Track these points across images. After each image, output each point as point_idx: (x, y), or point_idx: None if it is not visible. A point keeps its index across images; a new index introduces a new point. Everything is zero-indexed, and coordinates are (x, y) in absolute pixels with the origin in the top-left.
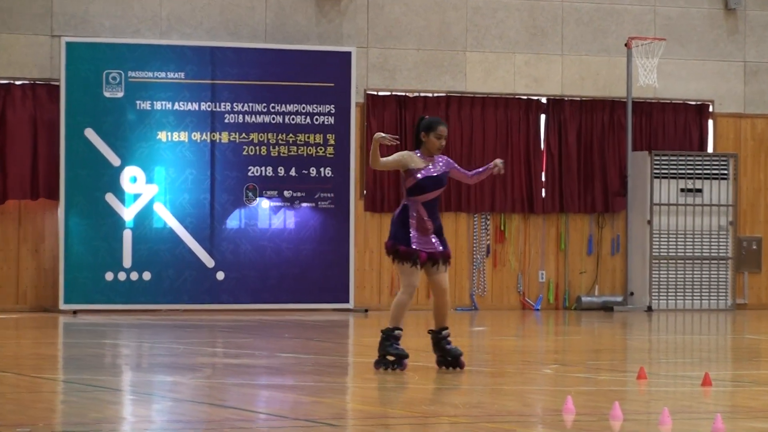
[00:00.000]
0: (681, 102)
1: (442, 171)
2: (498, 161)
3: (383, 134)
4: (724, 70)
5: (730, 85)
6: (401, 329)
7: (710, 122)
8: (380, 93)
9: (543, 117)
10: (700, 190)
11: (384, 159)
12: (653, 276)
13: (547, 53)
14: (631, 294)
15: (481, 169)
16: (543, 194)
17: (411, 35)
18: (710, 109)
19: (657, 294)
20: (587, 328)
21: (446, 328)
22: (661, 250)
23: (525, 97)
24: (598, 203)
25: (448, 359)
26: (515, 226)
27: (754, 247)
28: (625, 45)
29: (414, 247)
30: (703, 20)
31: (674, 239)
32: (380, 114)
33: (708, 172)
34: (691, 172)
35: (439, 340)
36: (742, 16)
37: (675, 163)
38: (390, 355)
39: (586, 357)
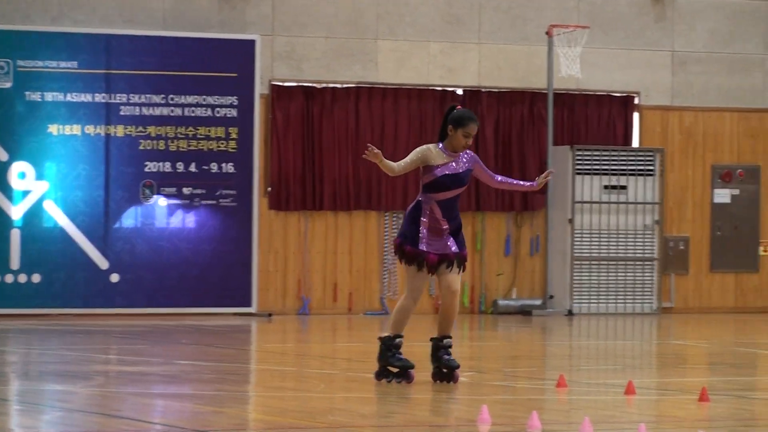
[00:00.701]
0: (605, 94)
1: (465, 168)
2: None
3: (374, 149)
4: (650, 60)
5: (657, 76)
6: (402, 336)
7: (636, 115)
8: (286, 84)
9: None
10: (624, 187)
11: (401, 163)
12: (574, 278)
13: (464, 42)
14: (551, 297)
15: (518, 182)
16: None
17: (319, 23)
18: (636, 102)
19: (578, 297)
20: (504, 334)
21: (449, 337)
22: (583, 251)
23: (440, 89)
24: (516, 201)
25: (443, 371)
26: None
27: (682, 247)
28: (546, 33)
29: (422, 248)
30: (629, 7)
31: (597, 239)
32: (286, 106)
33: (633, 168)
34: (615, 168)
35: (437, 348)
36: (670, 2)
37: (598, 158)
38: (393, 366)
39: (502, 364)
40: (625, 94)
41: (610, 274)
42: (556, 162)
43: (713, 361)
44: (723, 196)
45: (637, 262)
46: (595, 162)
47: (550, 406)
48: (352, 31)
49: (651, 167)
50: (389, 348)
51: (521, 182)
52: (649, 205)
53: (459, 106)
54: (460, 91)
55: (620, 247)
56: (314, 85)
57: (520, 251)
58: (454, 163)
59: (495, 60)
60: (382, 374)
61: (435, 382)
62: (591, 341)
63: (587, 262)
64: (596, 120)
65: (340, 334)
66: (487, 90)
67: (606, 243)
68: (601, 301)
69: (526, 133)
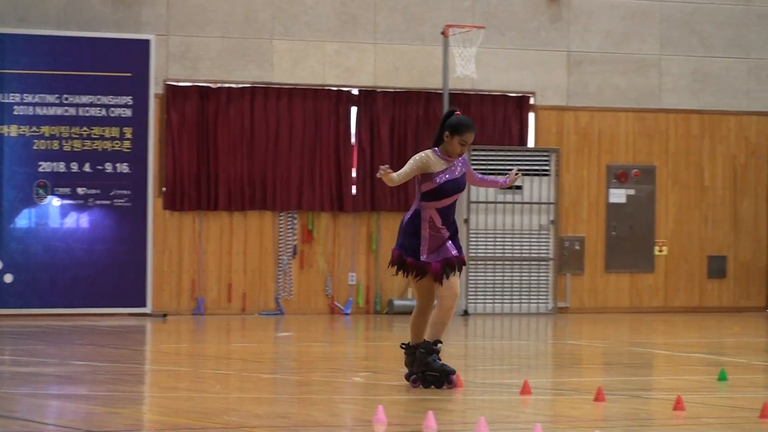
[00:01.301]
0: (500, 94)
1: (461, 172)
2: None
3: (387, 169)
4: (546, 60)
5: (553, 76)
6: (441, 342)
7: (531, 115)
8: (181, 84)
9: (354, 109)
10: (519, 188)
11: (401, 172)
12: (470, 278)
13: (359, 42)
14: None
15: (494, 179)
16: (353, 191)
17: (214, 22)
18: (531, 102)
19: (474, 297)
20: (400, 334)
21: (441, 342)
22: (479, 251)
23: (335, 89)
24: (411, 201)
25: (434, 376)
26: (324, 226)
27: (577, 247)
28: (442, 33)
29: (423, 258)
30: (525, 7)
31: (492, 239)
32: (181, 106)
33: (528, 168)
34: (511, 168)
35: (429, 352)
36: (565, 3)
37: (494, 158)
38: (432, 371)
39: (398, 364)
40: (520, 95)
41: (505, 274)
42: None
43: (608, 361)
44: (618, 196)
45: (533, 263)
46: (490, 162)
47: (445, 407)
48: (247, 31)
49: (546, 167)
50: (429, 352)
51: (496, 179)
52: (545, 206)
53: (458, 112)
54: (355, 91)
55: (516, 248)
56: (209, 85)
57: None
58: (452, 168)
59: (391, 60)
60: (418, 380)
61: (416, 387)
62: (487, 341)
63: (483, 263)
64: (492, 120)
65: (235, 335)
66: (383, 90)
67: (501, 243)
68: (496, 301)
69: (421, 134)
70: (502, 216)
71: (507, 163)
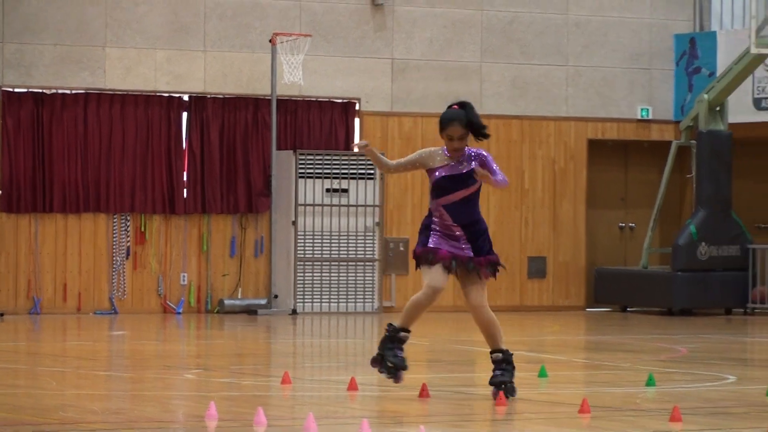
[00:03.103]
0: (327, 100)
1: (469, 169)
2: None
3: (361, 142)
4: (371, 68)
5: (378, 83)
6: (409, 332)
7: (357, 120)
8: (16, 90)
9: (185, 115)
10: (346, 190)
11: (398, 161)
12: (298, 278)
13: (190, 49)
14: (276, 297)
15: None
16: (185, 194)
17: (48, 30)
18: (357, 107)
19: (302, 297)
20: (230, 332)
21: (497, 351)
22: (306, 252)
23: (166, 95)
24: (241, 204)
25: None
26: (156, 227)
27: (402, 248)
28: (270, 41)
29: (431, 245)
30: (350, 16)
31: (320, 240)
32: (16, 112)
33: (354, 171)
34: (337, 171)
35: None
36: (389, 11)
37: (320, 162)
38: (388, 360)
39: (229, 361)
40: (346, 101)
41: (332, 274)
42: (280, 166)
43: (432, 359)
44: None
45: (359, 263)
46: (317, 166)
47: (275, 402)
48: (80, 39)
49: (371, 171)
50: (392, 339)
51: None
52: (370, 208)
53: (455, 106)
54: (186, 98)
55: (342, 249)
56: (44, 91)
57: (245, 252)
58: (456, 164)
59: (220, 67)
60: (377, 363)
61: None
62: (314, 339)
63: (310, 263)
64: (318, 125)
65: (71, 333)
66: (213, 96)
67: (328, 244)
68: (324, 300)
69: (250, 138)
70: (329, 218)
71: (333, 166)
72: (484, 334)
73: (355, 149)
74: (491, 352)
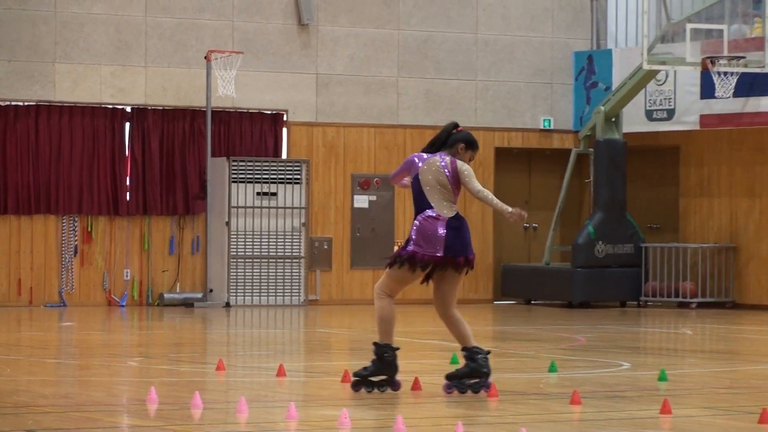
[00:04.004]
0: (257, 111)
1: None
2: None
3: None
4: (297, 82)
5: (303, 96)
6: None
7: (284, 130)
8: None
9: (128, 125)
10: (275, 194)
11: (485, 191)
12: (231, 274)
13: (132, 65)
14: (211, 291)
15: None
16: (128, 197)
17: (3, 47)
18: (285, 118)
19: (235, 291)
20: (169, 323)
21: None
22: (239, 250)
23: (111, 107)
24: (179, 206)
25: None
26: (102, 228)
27: (326, 246)
28: (205, 58)
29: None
30: (278, 35)
31: (251, 239)
32: None
33: (282, 176)
34: (267, 176)
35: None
36: (314, 31)
37: (251, 168)
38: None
39: (168, 350)
40: (274, 112)
41: (262, 270)
42: (214, 172)
43: (354, 347)
44: (362, 201)
45: (287, 260)
46: (248, 171)
47: (210, 387)
48: (32, 55)
49: (298, 176)
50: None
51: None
52: (297, 210)
53: (459, 128)
54: (129, 109)
55: (272, 247)
56: None
57: (182, 250)
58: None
59: (160, 81)
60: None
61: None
62: (246, 330)
63: (242, 260)
64: (249, 135)
65: (24, 324)
66: (153, 108)
67: (259, 243)
68: (255, 294)
69: (187, 147)
70: (259, 219)
71: (263, 172)
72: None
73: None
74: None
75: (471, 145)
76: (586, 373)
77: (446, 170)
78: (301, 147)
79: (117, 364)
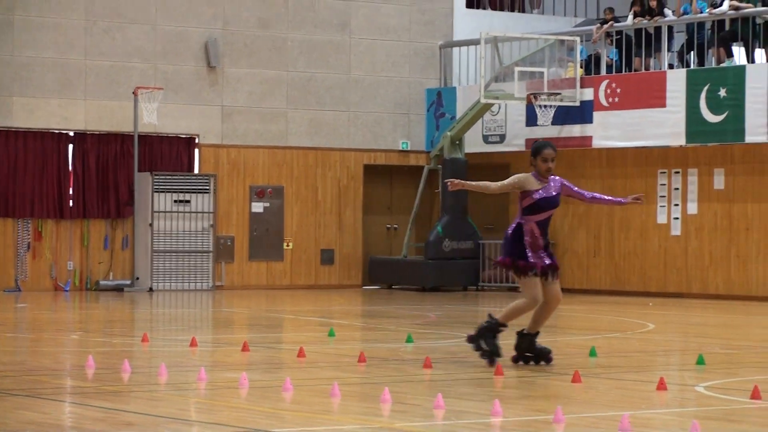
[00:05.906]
0: (175, 136)
1: (557, 192)
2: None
3: (454, 181)
4: (207, 112)
5: (212, 123)
6: (506, 326)
7: (197, 150)
8: None
9: (71, 147)
10: (189, 201)
11: (500, 183)
12: (154, 265)
13: (75, 98)
14: (137, 278)
15: (612, 198)
16: (71, 204)
17: None
18: (197, 141)
19: (157, 278)
20: (104, 305)
21: (539, 333)
22: (161, 246)
23: (57, 132)
24: (112, 210)
25: (534, 356)
26: (49, 228)
27: (229, 243)
28: (133, 93)
29: (531, 260)
30: (191, 74)
31: (170, 237)
32: None
33: (195, 187)
34: (182, 187)
35: (532, 342)
36: (221, 72)
37: (170, 180)
38: (484, 345)
39: (103, 326)
40: (189, 136)
41: (179, 262)
42: (141, 183)
43: (252, 323)
44: (258, 207)
45: (199, 254)
46: (168, 183)
47: (137, 356)
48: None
49: (207, 187)
50: (491, 329)
51: (611, 198)
52: (207, 214)
53: (538, 140)
54: (72, 134)
55: (187, 243)
56: None
57: (115, 246)
58: (547, 187)
59: (97, 111)
60: (474, 341)
61: (518, 364)
62: (166, 310)
63: (163, 254)
64: (168, 154)
65: None
66: (91, 132)
67: (176, 240)
68: (173, 281)
69: (119, 164)
70: (176, 221)
71: (180, 183)
72: (544, 319)
73: (449, 187)
74: (537, 333)
75: (536, 151)
76: (436, 344)
77: None
78: (210, 164)
79: (62, 337)
